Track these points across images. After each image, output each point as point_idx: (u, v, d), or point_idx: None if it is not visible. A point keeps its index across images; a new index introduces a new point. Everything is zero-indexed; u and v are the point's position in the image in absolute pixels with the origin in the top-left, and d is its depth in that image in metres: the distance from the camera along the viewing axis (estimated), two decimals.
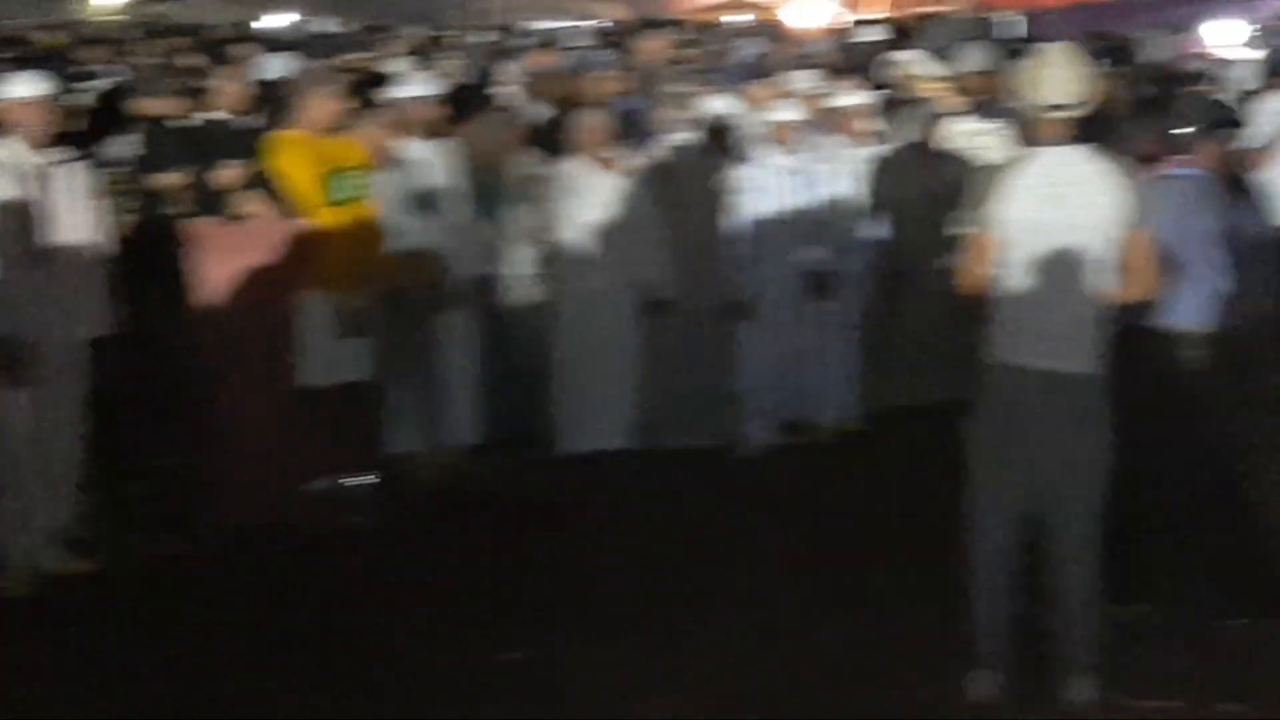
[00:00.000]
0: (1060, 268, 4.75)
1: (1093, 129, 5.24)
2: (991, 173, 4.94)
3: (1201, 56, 12.76)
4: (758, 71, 8.61)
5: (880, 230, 7.93)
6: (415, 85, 7.36)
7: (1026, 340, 4.79)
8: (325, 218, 6.52)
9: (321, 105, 6.59)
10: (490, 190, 7.47)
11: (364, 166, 6.74)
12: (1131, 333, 5.21)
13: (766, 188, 7.64)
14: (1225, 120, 5.77)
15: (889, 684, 5.18)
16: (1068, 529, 4.92)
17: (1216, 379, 5.46)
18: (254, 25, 23.84)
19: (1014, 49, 10.14)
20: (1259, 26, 14.54)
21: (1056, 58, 4.81)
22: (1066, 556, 4.94)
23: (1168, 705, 4.99)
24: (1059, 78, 4.74)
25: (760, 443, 7.82)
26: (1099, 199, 4.72)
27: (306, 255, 6.39)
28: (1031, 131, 4.91)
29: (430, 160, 7.21)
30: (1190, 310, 5.39)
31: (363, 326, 6.60)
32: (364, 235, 6.71)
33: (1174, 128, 5.58)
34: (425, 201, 7.07)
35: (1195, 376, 5.43)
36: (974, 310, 5.02)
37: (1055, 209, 4.72)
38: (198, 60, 11.16)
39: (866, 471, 7.41)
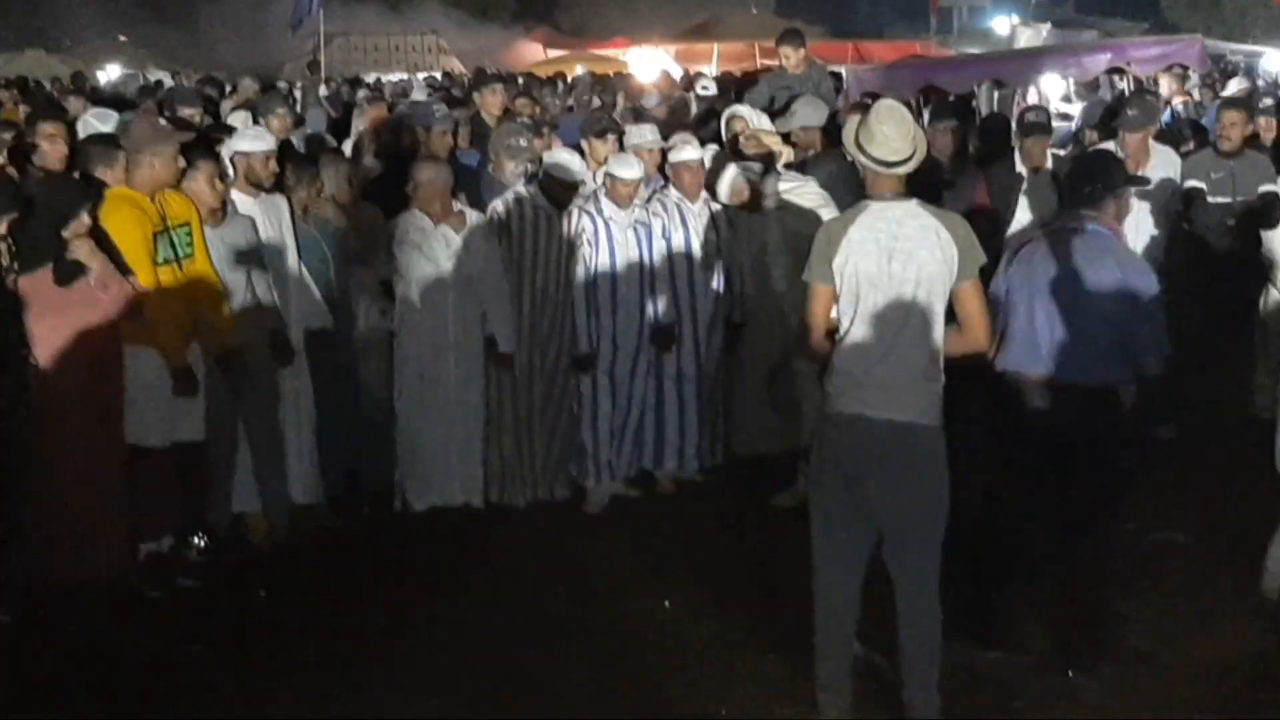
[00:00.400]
0: (894, 320, 4.82)
1: (928, 183, 5.38)
2: (830, 226, 5.01)
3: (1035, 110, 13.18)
4: (597, 125, 8.61)
5: (721, 282, 7.99)
6: (248, 139, 7.24)
7: (864, 391, 4.84)
8: (154, 275, 6.38)
9: (150, 162, 6.46)
10: (329, 244, 7.37)
11: (194, 222, 6.61)
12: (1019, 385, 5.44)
13: (606, 241, 7.65)
14: (1126, 179, 5.88)
15: None
16: (908, 576, 4.98)
17: (1111, 431, 5.56)
18: (86, 78, 23.38)
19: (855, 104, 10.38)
20: (1078, 82, 15.03)
21: (887, 114, 4.88)
22: (908, 602, 4.99)
23: None
24: (889, 134, 4.82)
25: (607, 496, 7.81)
26: (930, 252, 4.81)
27: (136, 312, 6.24)
28: (865, 186, 4.99)
29: (263, 214, 7.09)
30: (1090, 365, 5.47)
31: (195, 385, 6.46)
32: (195, 292, 6.57)
33: (1078, 186, 5.69)
34: (257, 257, 6.95)
35: (1093, 429, 5.51)
36: (813, 362, 5.09)
37: (888, 262, 4.80)
38: (23, 112, 10.85)
39: (713, 522, 7.45)
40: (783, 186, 7.80)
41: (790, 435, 7.49)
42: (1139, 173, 8.50)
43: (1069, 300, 5.42)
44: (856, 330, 4.88)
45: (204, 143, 7.11)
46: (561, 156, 7.70)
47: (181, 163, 6.58)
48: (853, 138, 4.93)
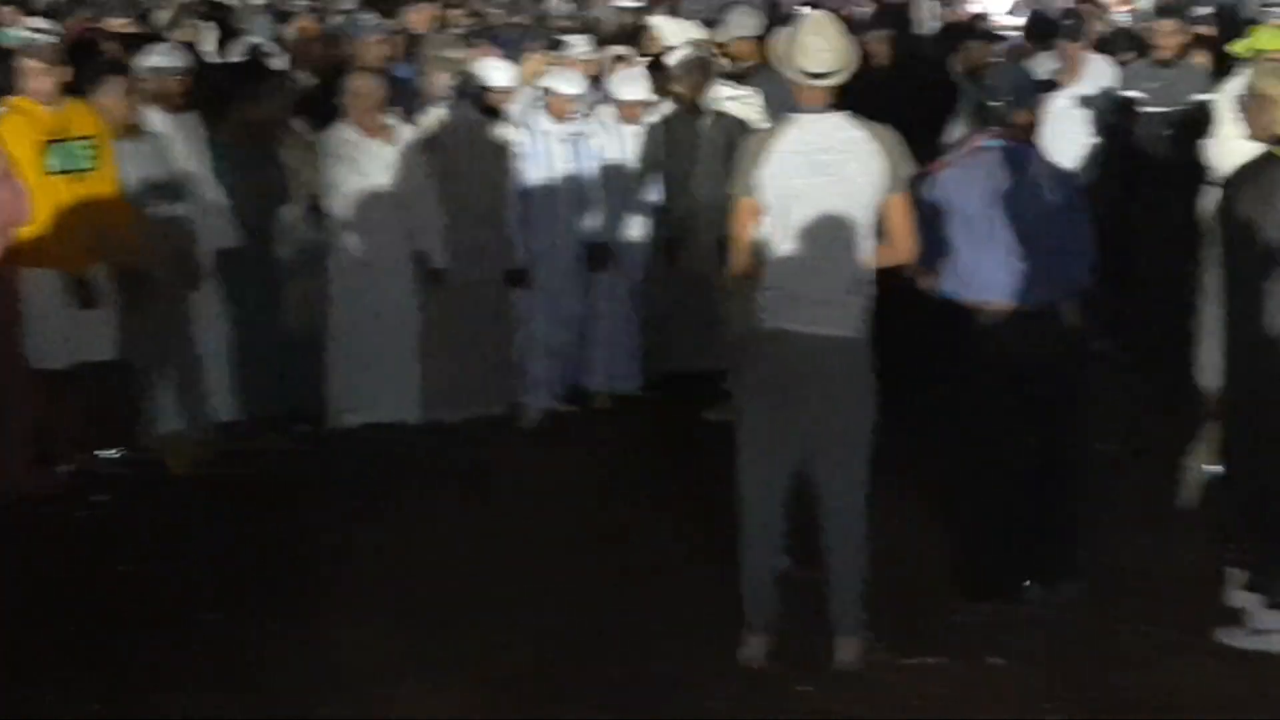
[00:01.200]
0: (822, 234, 4.77)
1: (859, 95, 5.28)
2: (755, 139, 4.95)
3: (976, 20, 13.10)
4: (531, 37, 8.49)
5: (655, 196, 7.93)
6: (160, 56, 7.09)
7: (791, 306, 4.81)
8: (45, 188, 6.27)
9: (44, 72, 6.34)
10: (255, 160, 7.24)
11: (93, 136, 6.48)
12: (943, 309, 5.35)
13: (541, 156, 7.56)
14: (1035, 89, 5.75)
15: (661, 651, 5.18)
16: (835, 491, 4.98)
17: (1059, 352, 5.44)
18: None
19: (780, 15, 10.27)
20: None
21: (815, 25, 4.80)
22: (834, 518, 5.00)
23: (932, 661, 5.08)
24: (817, 46, 4.74)
25: (541, 411, 7.78)
26: (858, 165, 4.75)
27: (21, 218, 6.15)
28: (794, 98, 4.92)
29: (177, 133, 6.95)
30: (1002, 284, 5.33)
31: (94, 298, 6.34)
32: (97, 207, 6.45)
33: (986, 100, 5.55)
34: (168, 175, 6.81)
35: (1040, 352, 5.37)
36: (743, 276, 5.04)
37: (815, 175, 4.74)
38: None
39: (645, 438, 7.46)
40: (720, 95, 7.72)
41: (722, 350, 7.47)
42: (1075, 83, 8.52)
43: (990, 222, 5.30)
44: (783, 244, 4.82)
45: (127, 53, 6.98)
46: (493, 68, 7.57)
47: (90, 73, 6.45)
48: (782, 50, 4.86)
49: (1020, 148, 5.42)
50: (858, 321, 4.86)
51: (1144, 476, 6.10)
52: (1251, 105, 5.19)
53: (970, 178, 5.35)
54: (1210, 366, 5.19)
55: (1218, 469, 5.37)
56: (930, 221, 5.30)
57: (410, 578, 5.78)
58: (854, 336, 4.86)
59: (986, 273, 5.29)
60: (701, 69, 7.94)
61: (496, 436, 7.55)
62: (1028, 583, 5.38)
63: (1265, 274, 4.93)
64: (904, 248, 4.93)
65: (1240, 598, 5.23)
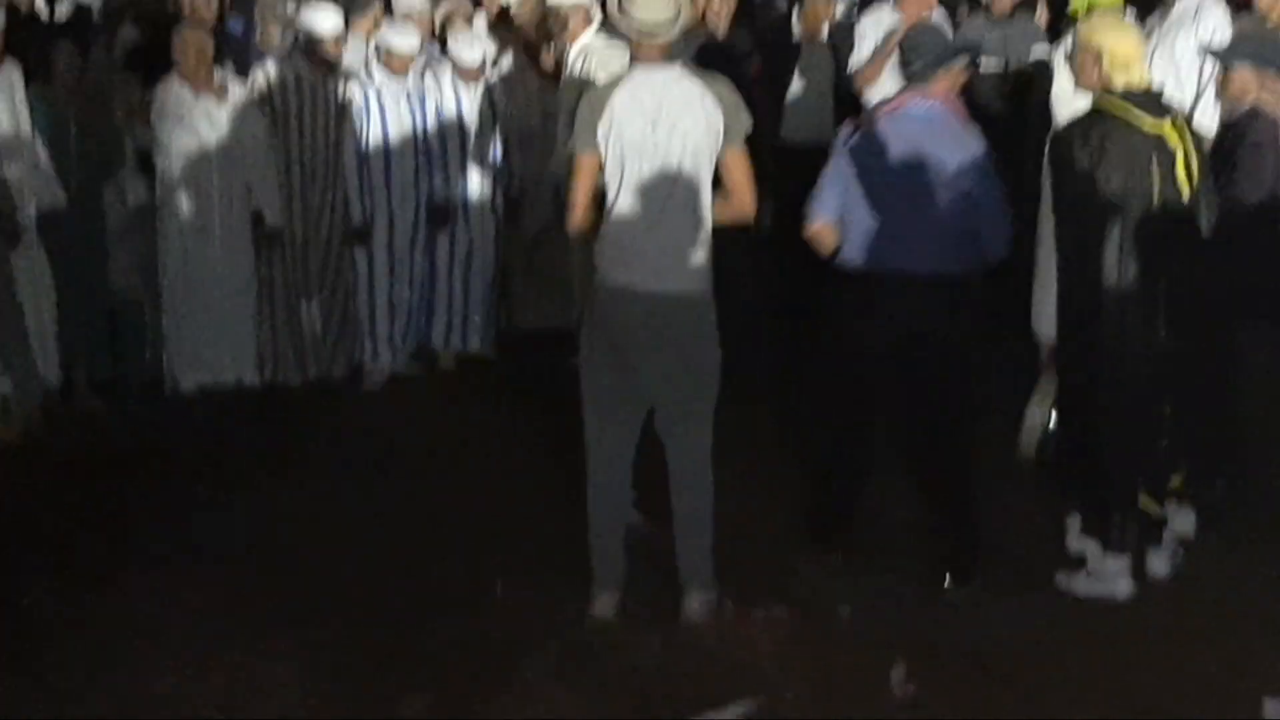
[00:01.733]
0: (660, 188, 4.74)
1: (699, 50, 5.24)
2: (594, 94, 4.89)
3: None
4: None
5: (497, 156, 7.83)
6: None
7: (633, 262, 4.77)
8: None
9: None
10: (82, 118, 6.98)
11: None
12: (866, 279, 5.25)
13: (379, 113, 7.43)
14: (956, 49, 5.64)
15: (506, 610, 5.14)
16: (679, 448, 4.96)
17: (960, 325, 5.32)
18: None
19: None
20: None
21: None
22: (680, 474, 4.99)
23: (780, 612, 5.10)
24: (654, 1, 4.70)
25: (384, 373, 7.67)
26: (694, 119, 4.72)
27: None
28: (632, 53, 4.87)
29: None
30: (934, 255, 5.17)
31: None
32: None
33: (908, 61, 5.41)
34: None
35: (941, 323, 5.25)
36: (583, 233, 4.99)
37: (654, 130, 4.70)
38: None
39: (491, 398, 7.40)
40: (599, 43, 7.58)
41: (569, 308, 7.43)
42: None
43: (906, 186, 5.16)
44: (623, 200, 4.78)
45: None
46: (317, 18, 7.36)
47: None
48: (615, 2, 4.80)
49: (938, 109, 5.27)
50: (699, 276, 4.84)
51: (988, 427, 6.17)
52: (1081, 58, 5.25)
53: (889, 138, 5.21)
54: (1046, 317, 5.24)
55: (1053, 418, 5.45)
56: (839, 182, 5.24)
57: (242, 544, 5.65)
58: (695, 291, 4.84)
59: (890, 239, 5.17)
60: (543, 22, 7.82)
61: (340, 399, 7.44)
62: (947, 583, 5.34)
63: (1095, 226, 5.00)
64: (744, 201, 4.89)
65: (1078, 544, 5.34)
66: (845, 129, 5.35)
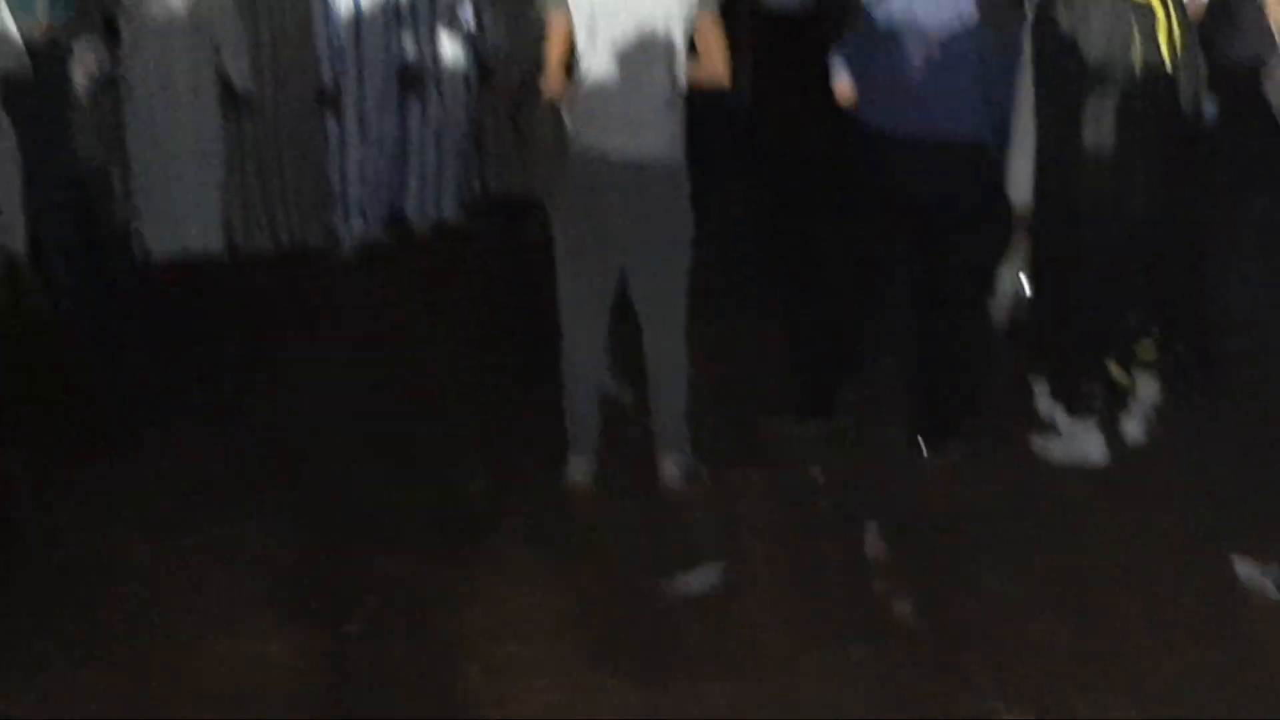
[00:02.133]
0: (632, 50, 4.65)
1: None
2: None
3: None
4: None
5: (470, 19, 7.69)
6: None
7: (605, 124, 4.71)
8: None
9: None
10: None
11: None
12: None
13: None
14: None
15: (484, 471, 5.17)
16: (653, 314, 4.96)
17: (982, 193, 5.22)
18: None
19: None
20: None
21: None
22: (654, 339, 4.99)
23: (754, 474, 5.14)
24: None
25: (357, 239, 7.59)
26: None
27: None
28: None
29: None
30: (957, 116, 5.07)
31: None
32: None
33: None
34: None
35: (961, 191, 5.16)
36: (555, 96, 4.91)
37: None
38: None
39: (465, 265, 7.36)
40: None
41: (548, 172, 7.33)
42: None
43: (916, 44, 5.01)
44: (595, 62, 4.71)
45: None
46: None
47: None
48: None
49: None
50: (672, 140, 4.78)
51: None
52: None
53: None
54: (1021, 181, 5.20)
55: (1026, 282, 5.44)
56: (860, 39, 5.16)
57: (214, 411, 5.61)
58: (668, 156, 4.77)
59: (907, 99, 5.05)
60: None
61: (311, 265, 7.36)
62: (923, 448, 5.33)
63: (1075, 93, 4.95)
64: (717, 66, 4.80)
65: (1048, 408, 5.36)
66: None
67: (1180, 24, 4.97)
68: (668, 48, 4.69)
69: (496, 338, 6.32)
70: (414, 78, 7.56)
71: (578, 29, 4.71)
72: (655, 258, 4.87)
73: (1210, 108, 5.23)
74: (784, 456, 5.28)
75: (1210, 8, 5.22)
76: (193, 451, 5.29)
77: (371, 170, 7.58)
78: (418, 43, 7.56)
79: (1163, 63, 4.94)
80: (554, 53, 4.80)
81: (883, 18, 5.15)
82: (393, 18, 7.45)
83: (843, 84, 5.22)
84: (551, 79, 4.83)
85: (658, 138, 4.74)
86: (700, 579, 4.50)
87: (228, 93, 7.14)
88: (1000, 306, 5.48)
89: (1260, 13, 5.08)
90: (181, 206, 7.15)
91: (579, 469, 5.05)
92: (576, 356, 5.03)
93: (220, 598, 4.37)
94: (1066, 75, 4.98)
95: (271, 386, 5.87)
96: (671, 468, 5.05)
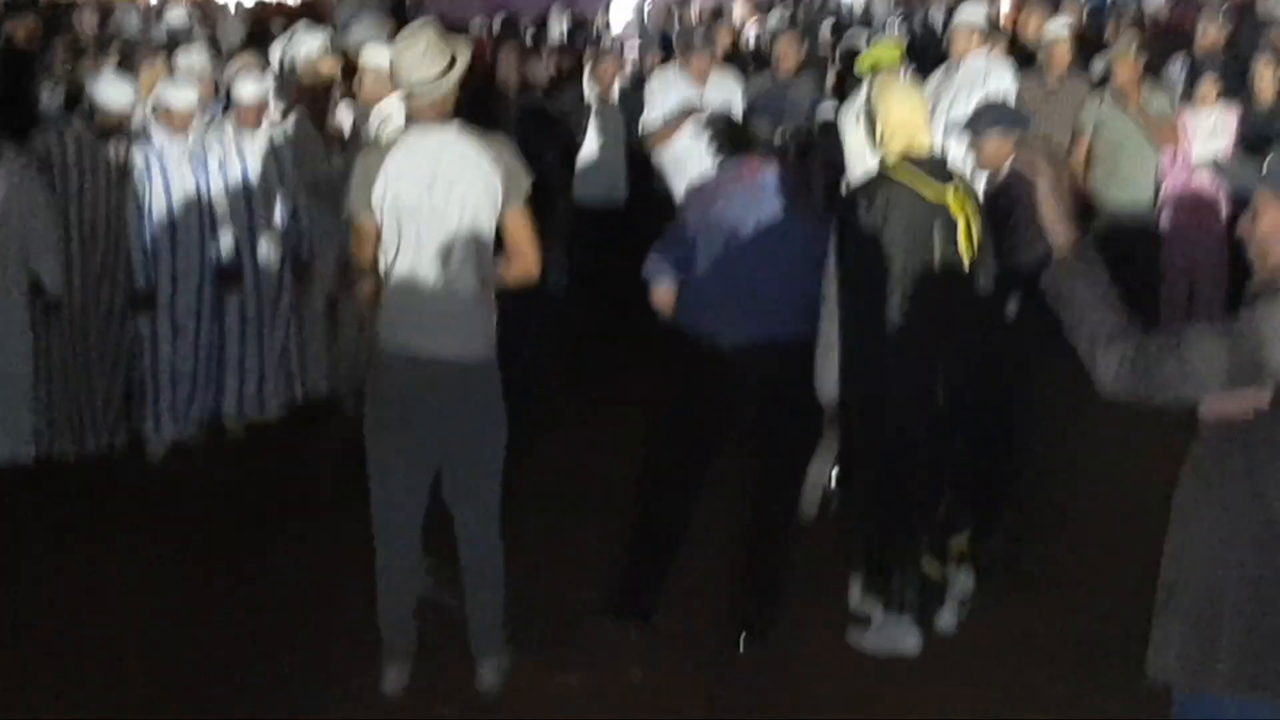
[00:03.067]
0: (440, 251, 4.67)
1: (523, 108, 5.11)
2: (369, 156, 4.80)
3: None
4: (150, 48, 8.09)
5: (285, 217, 7.69)
6: None
7: (413, 325, 4.70)
8: None
9: None
10: None
11: None
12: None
13: (160, 174, 7.19)
14: (799, 113, 5.57)
15: (297, 684, 5.03)
16: (467, 516, 4.92)
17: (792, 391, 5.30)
18: None
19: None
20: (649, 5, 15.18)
21: (412, 37, 4.67)
22: (468, 542, 4.94)
23: (575, 678, 5.10)
24: (415, 56, 4.62)
25: (167, 442, 7.43)
26: (470, 178, 4.65)
27: None
28: (408, 112, 4.83)
29: None
30: (767, 319, 5.20)
31: None
32: None
33: (748, 124, 5.43)
34: None
35: (773, 389, 5.29)
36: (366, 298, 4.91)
37: (429, 191, 4.63)
38: None
39: (281, 465, 7.23)
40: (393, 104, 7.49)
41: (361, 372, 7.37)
42: (703, 93, 8.64)
43: (742, 249, 5.16)
44: (401, 263, 4.70)
45: None
46: (104, 83, 7.17)
47: None
48: (395, 61, 4.73)
49: (773, 173, 5.30)
50: (482, 341, 4.78)
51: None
52: (866, 122, 5.34)
53: (727, 201, 5.21)
54: (828, 377, 5.26)
55: (837, 477, 5.48)
56: (682, 247, 5.22)
57: (11, 617, 5.46)
58: (477, 357, 4.77)
59: (731, 303, 5.15)
60: (334, 84, 7.74)
61: (122, 471, 7.18)
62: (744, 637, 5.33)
63: (878, 289, 5.04)
64: (528, 263, 4.82)
65: (861, 604, 5.40)
66: (692, 192, 5.28)
67: (978, 225, 5.15)
68: (473, 247, 4.70)
69: (307, 537, 6.21)
70: (230, 276, 7.50)
71: (384, 230, 4.71)
72: (467, 457, 4.84)
73: (1012, 304, 5.44)
74: (604, 656, 5.24)
75: (993, 212, 5.42)
76: None
77: (183, 371, 7.45)
78: (234, 241, 7.50)
79: (960, 261, 5.09)
80: (362, 255, 4.80)
81: (696, 219, 5.30)
82: (207, 217, 7.40)
83: (661, 291, 5.29)
84: (362, 282, 4.83)
85: (467, 337, 4.73)
86: None
87: (39, 296, 7.01)
88: (811, 500, 5.50)
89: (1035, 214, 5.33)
90: None
91: (394, 677, 4.93)
92: (390, 558, 4.93)
93: None
94: (869, 271, 5.07)
95: (67, 592, 5.71)
96: (489, 671, 4.97)
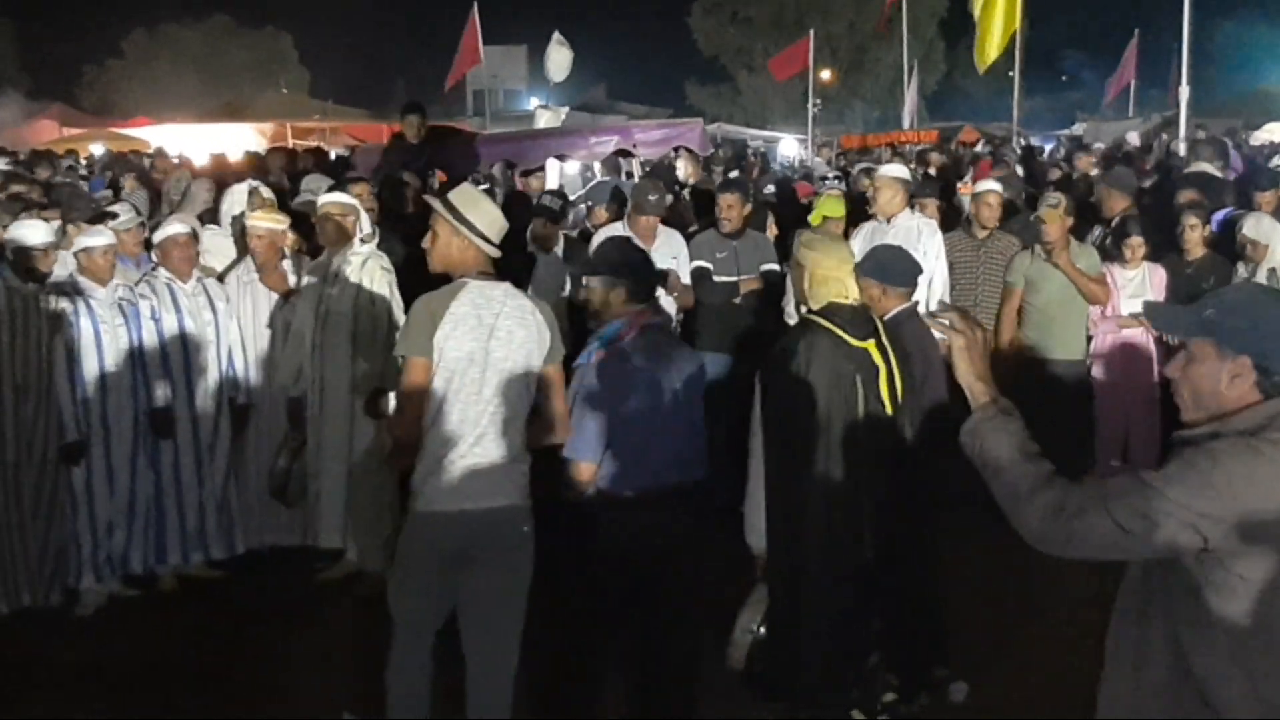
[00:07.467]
0: (491, 400, 4.75)
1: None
2: (432, 300, 4.80)
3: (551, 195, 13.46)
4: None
5: (222, 363, 7.69)
6: None
7: (458, 475, 4.71)
8: None
9: None
10: None
11: None
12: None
13: (90, 321, 7.16)
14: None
15: None
16: (487, 660, 4.90)
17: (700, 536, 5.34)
18: None
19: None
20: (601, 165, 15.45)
21: (479, 194, 4.89)
22: (481, 688, 4.92)
23: None
24: (492, 212, 4.83)
25: (101, 596, 7.32)
26: (525, 333, 4.81)
27: None
28: (461, 268, 4.90)
29: None
30: (671, 464, 5.19)
31: None
32: None
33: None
34: None
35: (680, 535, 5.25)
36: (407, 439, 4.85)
37: (490, 340, 4.74)
38: None
39: (218, 620, 7.10)
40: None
41: (301, 526, 7.40)
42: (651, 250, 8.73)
43: (657, 404, 5.14)
44: (451, 410, 4.73)
45: None
46: (27, 231, 7.15)
47: None
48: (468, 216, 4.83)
49: (666, 331, 5.41)
50: (523, 489, 4.85)
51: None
52: (794, 273, 5.40)
53: (631, 362, 5.13)
54: (755, 527, 5.27)
55: (761, 629, 5.44)
56: (597, 416, 5.08)
57: None
58: (519, 505, 4.84)
59: (628, 460, 5.11)
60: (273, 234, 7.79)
61: (52, 626, 7.02)
62: None
63: (801, 439, 5.06)
64: (559, 422, 4.94)
65: None
66: (587, 357, 5.18)
67: (900, 371, 5.20)
68: (521, 397, 4.81)
69: (244, 700, 6.06)
70: (165, 421, 7.42)
71: (436, 375, 4.72)
72: (499, 606, 4.85)
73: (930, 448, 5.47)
74: None
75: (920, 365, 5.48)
76: None
77: (117, 522, 7.35)
78: (170, 388, 7.45)
79: (884, 406, 5.12)
80: (415, 397, 4.73)
81: (606, 388, 5.13)
82: (139, 365, 7.36)
83: (584, 468, 5.09)
84: (408, 424, 4.77)
85: (510, 487, 4.79)
86: None
87: None
88: (738, 651, 5.43)
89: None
90: None
91: None
92: (406, 696, 4.93)
93: None
94: (793, 421, 5.08)
95: None
96: None
